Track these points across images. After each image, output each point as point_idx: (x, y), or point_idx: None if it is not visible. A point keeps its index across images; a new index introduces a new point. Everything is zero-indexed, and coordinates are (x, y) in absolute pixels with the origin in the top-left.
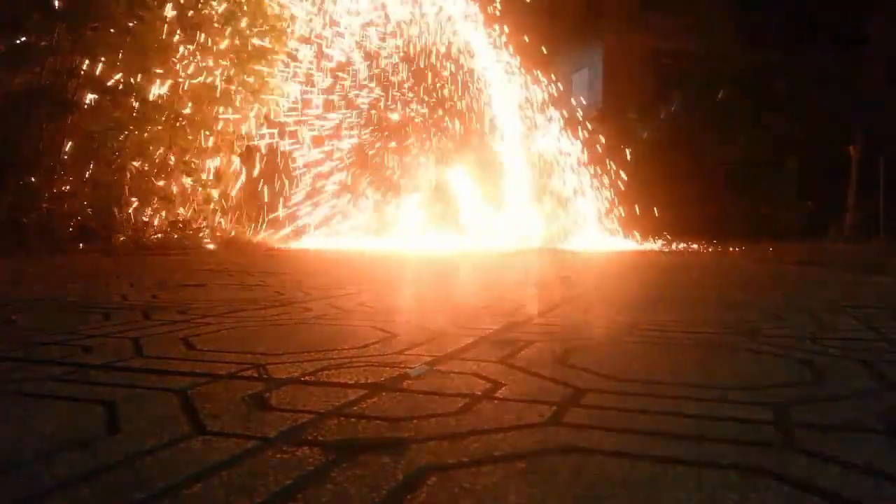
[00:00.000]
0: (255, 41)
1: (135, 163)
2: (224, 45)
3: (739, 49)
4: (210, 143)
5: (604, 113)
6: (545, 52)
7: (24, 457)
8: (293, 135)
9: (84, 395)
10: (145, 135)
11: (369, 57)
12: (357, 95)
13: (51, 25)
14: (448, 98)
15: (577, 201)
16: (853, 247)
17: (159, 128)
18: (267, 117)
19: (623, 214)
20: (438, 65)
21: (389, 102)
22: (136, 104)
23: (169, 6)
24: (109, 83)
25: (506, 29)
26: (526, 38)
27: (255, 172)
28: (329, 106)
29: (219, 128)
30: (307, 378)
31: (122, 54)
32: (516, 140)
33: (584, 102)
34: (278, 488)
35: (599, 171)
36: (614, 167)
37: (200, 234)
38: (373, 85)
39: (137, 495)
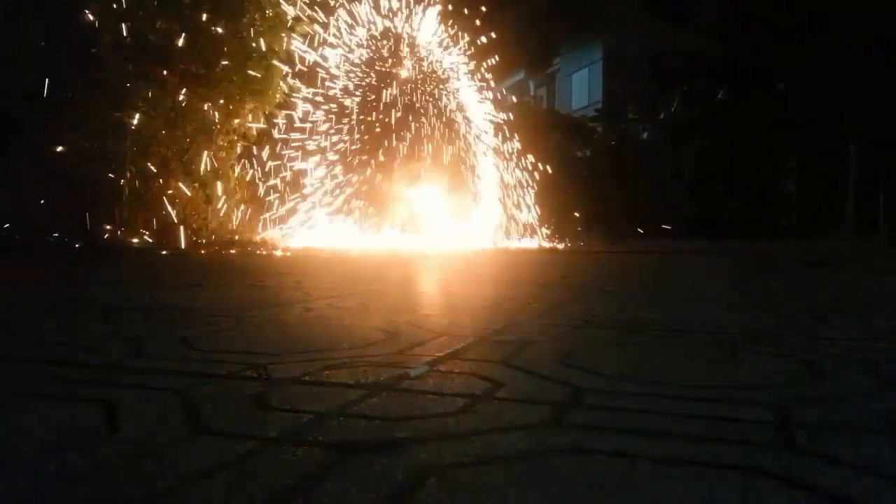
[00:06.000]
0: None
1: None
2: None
3: (739, 49)
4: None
5: (603, 113)
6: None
7: (24, 457)
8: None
9: (84, 395)
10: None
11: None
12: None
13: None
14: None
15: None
16: (853, 247)
17: (162, 132)
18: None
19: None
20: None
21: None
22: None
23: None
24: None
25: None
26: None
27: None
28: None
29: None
30: (307, 378)
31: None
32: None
33: (585, 102)
34: (278, 488)
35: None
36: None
37: (199, 234)
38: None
39: (137, 495)
